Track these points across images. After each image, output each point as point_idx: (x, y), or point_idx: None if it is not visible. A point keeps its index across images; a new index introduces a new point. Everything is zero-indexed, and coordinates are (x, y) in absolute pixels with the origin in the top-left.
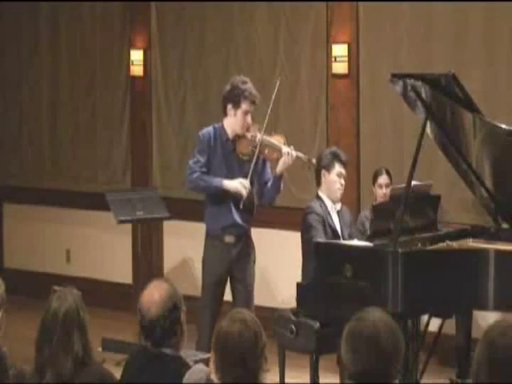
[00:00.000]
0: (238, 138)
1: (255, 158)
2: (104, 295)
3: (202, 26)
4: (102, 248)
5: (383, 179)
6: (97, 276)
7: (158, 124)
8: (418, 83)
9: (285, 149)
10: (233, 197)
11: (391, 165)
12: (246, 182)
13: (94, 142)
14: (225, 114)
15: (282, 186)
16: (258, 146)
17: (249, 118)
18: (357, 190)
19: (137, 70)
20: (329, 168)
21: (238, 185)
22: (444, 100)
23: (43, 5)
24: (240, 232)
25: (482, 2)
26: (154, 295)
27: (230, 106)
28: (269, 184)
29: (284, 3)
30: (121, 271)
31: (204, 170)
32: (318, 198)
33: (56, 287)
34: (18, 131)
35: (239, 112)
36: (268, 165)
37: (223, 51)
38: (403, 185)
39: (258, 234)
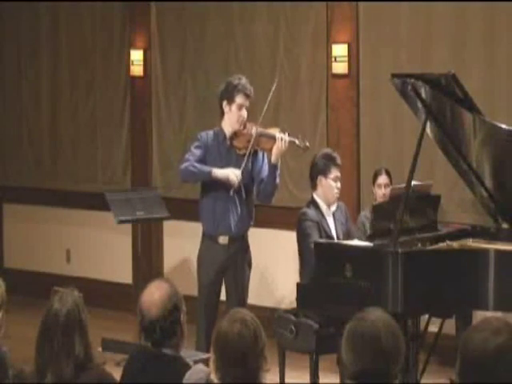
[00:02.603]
0: (235, 134)
1: (249, 148)
2: (104, 295)
3: (202, 26)
4: (101, 248)
5: (383, 179)
6: (97, 276)
7: (158, 124)
8: (418, 83)
9: (278, 134)
10: (223, 186)
11: (391, 165)
12: (238, 172)
13: (94, 142)
14: (222, 112)
15: (278, 178)
16: (253, 138)
17: (244, 113)
18: (357, 190)
19: (137, 70)
20: (325, 173)
21: (229, 172)
22: (444, 100)
23: (43, 5)
24: (235, 233)
25: (482, 1)
26: (154, 295)
27: (224, 103)
28: (265, 179)
29: (284, 3)
30: (121, 271)
31: (195, 159)
32: (313, 202)
33: (57, 288)
34: (18, 131)
35: (234, 106)
36: (266, 161)
37: (223, 51)
38: (403, 185)
39: (258, 234)
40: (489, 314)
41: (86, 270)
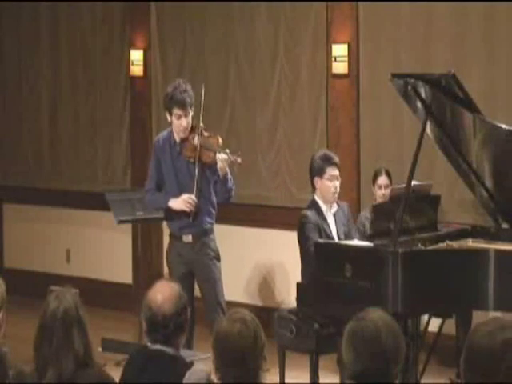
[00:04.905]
0: (182, 141)
1: (197, 163)
2: (104, 295)
3: (202, 26)
4: (101, 248)
5: (382, 180)
6: (97, 276)
7: (158, 124)
8: (418, 83)
9: (218, 155)
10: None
11: (391, 165)
12: (188, 197)
13: (94, 142)
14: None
15: (231, 183)
16: (198, 150)
17: (183, 122)
18: (357, 190)
19: (137, 70)
20: (320, 174)
21: (181, 203)
22: (444, 100)
23: (43, 5)
24: (198, 231)
25: (482, 1)
26: (165, 293)
27: (167, 114)
28: (218, 184)
29: (284, 3)
30: (121, 271)
31: (155, 184)
32: (314, 203)
33: (53, 287)
34: (18, 131)
35: (173, 118)
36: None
37: (223, 51)
38: (403, 185)
39: (257, 234)
40: (489, 314)
41: (86, 270)
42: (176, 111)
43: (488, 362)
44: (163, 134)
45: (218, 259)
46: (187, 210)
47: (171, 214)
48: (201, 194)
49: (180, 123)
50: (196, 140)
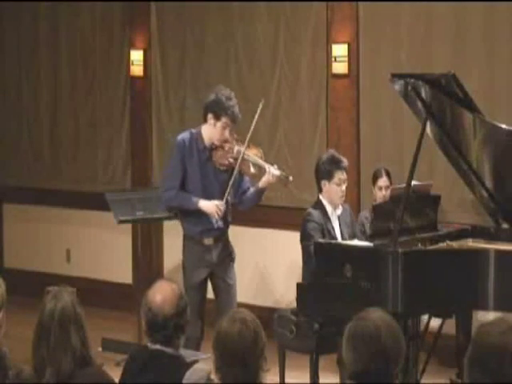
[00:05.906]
0: (215, 147)
1: (235, 172)
2: (104, 295)
3: (202, 26)
4: (102, 248)
5: (383, 181)
6: (97, 276)
7: (158, 124)
8: (418, 83)
9: (269, 170)
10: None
11: (391, 165)
12: (221, 204)
13: (94, 142)
14: (204, 120)
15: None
16: (239, 161)
17: (227, 132)
18: (357, 191)
19: (137, 70)
20: (328, 177)
21: (213, 209)
22: (444, 100)
23: (43, 5)
24: (218, 234)
25: (482, 1)
26: (165, 293)
27: (210, 116)
28: (248, 193)
29: (284, 3)
30: (121, 271)
31: (179, 182)
32: (319, 202)
33: (50, 288)
34: (18, 131)
35: (219, 124)
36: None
37: (223, 51)
38: (403, 185)
39: (258, 234)
40: (489, 314)
41: (86, 270)
42: (227, 121)
43: (499, 362)
44: (185, 135)
45: (234, 261)
46: (215, 216)
47: (192, 218)
48: (227, 200)
49: (224, 133)
50: (236, 150)
